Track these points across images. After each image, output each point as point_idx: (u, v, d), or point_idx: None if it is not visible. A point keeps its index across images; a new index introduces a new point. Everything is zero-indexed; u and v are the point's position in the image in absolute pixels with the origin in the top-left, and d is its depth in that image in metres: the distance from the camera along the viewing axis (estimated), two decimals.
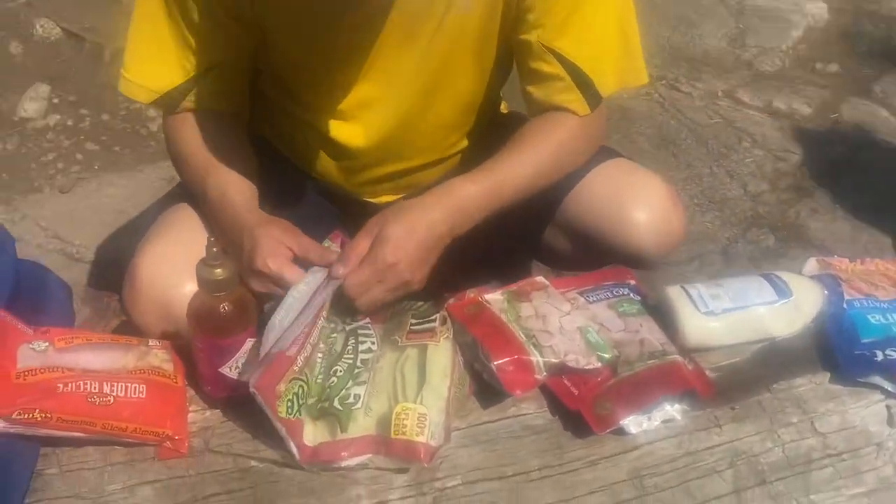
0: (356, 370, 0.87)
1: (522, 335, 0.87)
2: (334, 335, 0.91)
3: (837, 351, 0.93)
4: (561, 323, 0.89)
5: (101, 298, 1.69)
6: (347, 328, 0.93)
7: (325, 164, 1.14)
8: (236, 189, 0.98)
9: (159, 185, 2.01)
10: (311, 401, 0.83)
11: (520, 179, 0.99)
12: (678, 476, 0.85)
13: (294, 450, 0.79)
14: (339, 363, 0.88)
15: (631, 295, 0.98)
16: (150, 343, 0.88)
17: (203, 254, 0.78)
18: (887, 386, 0.90)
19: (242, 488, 0.81)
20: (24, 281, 0.88)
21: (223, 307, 0.79)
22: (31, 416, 0.74)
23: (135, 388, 0.81)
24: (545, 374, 0.85)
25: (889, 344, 0.91)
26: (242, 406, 0.85)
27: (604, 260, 1.08)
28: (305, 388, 0.83)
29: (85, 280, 1.75)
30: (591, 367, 0.86)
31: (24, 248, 1.79)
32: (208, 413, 0.87)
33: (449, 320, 0.91)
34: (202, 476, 0.81)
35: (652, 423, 0.87)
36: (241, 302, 0.81)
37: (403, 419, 0.80)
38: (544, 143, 1.02)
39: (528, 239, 1.18)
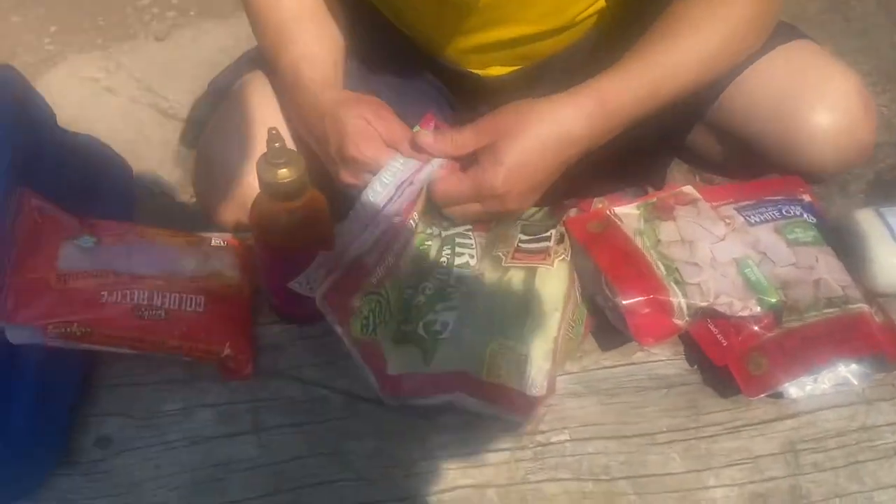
0: (448, 290, 0.71)
1: (662, 267, 0.68)
2: (428, 243, 0.75)
3: None
4: (713, 252, 0.70)
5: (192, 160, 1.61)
6: (444, 233, 0.77)
7: (429, 24, 0.94)
8: (311, 64, 0.80)
9: None
10: (393, 321, 0.69)
11: (682, 74, 0.76)
12: (846, 455, 0.68)
13: (372, 378, 0.66)
14: (430, 279, 0.72)
15: (805, 216, 0.76)
16: (214, 243, 0.75)
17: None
18: None
19: (311, 422, 0.69)
20: (76, 158, 0.76)
21: (290, 214, 0.64)
22: (68, 329, 0.63)
23: (192, 299, 0.69)
24: (688, 319, 0.67)
25: None
26: (315, 325, 0.73)
27: (765, 171, 0.86)
28: (385, 304, 0.68)
29: (177, 139, 1.66)
30: (748, 312, 0.67)
31: (118, 101, 1.72)
32: (277, 329, 0.74)
33: (567, 238, 0.73)
34: (267, 403, 0.70)
35: (819, 386, 0.68)
36: (312, 207, 0.65)
37: (500, 359, 0.65)
38: (714, 24, 0.78)
39: (670, 138, 0.96)
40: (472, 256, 0.75)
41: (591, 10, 0.92)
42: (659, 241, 0.71)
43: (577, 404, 0.70)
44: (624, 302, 0.66)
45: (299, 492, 0.67)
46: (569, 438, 0.69)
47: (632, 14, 0.86)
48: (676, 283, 0.67)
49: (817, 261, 0.72)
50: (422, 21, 0.93)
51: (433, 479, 0.67)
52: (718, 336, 0.68)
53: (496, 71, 0.96)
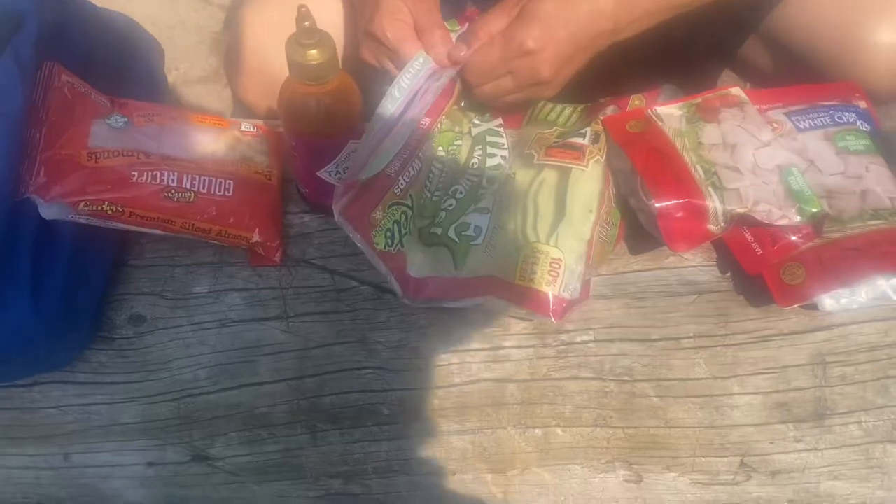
0: (480, 192, 0.70)
1: (700, 170, 0.66)
2: (458, 142, 0.73)
3: None
4: (755, 158, 0.67)
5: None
6: (474, 131, 0.74)
7: None
8: None
9: None
10: (423, 222, 0.68)
11: None
12: (875, 370, 0.67)
13: (396, 286, 0.65)
14: (462, 180, 0.71)
15: (859, 124, 0.73)
16: (244, 128, 0.74)
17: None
18: None
19: (339, 311, 0.70)
20: (106, 37, 0.74)
21: (320, 99, 0.62)
22: (99, 207, 0.64)
23: (220, 183, 0.68)
24: (723, 225, 0.65)
25: None
26: None
27: None
28: (410, 213, 0.67)
29: (213, 24, 1.63)
30: (786, 221, 0.65)
31: None
32: (307, 218, 0.74)
33: (603, 137, 0.70)
34: (296, 290, 0.71)
35: (855, 299, 0.66)
36: (342, 91, 0.63)
37: (532, 263, 0.63)
38: None
39: (722, 47, 0.90)
40: (504, 155, 0.73)
41: None
42: (700, 143, 0.68)
43: (604, 306, 0.69)
44: (657, 205, 0.64)
45: (324, 377, 0.68)
46: (593, 339, 0.69)
47: None
48: (714, 187, 0.65)
49: (867, 170, 0.69)
50: None
51: (456, 372, 0.68)
52: (753, 244, 0.66)
53: None
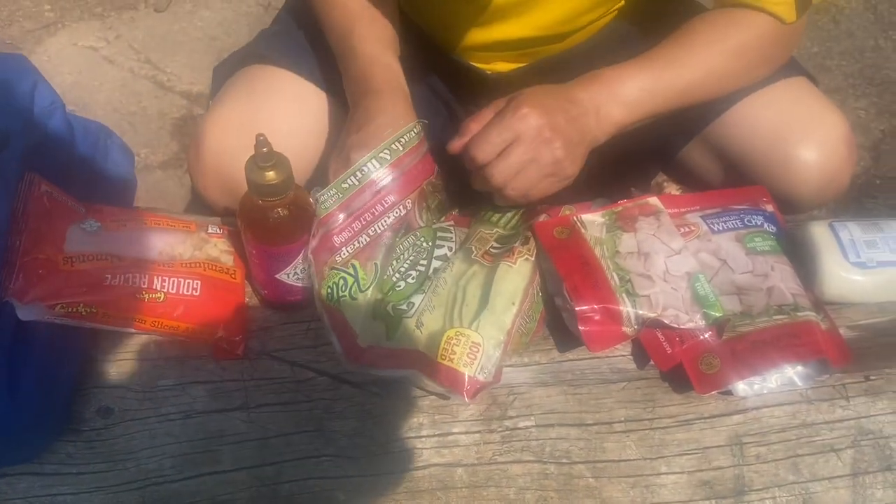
0: (426, 281, 0.77)
1: (616, 277, 0.74)
2: (417, 234, 0.80)
3: None
4: (667, 265, 0.75)
5: (187, 133, 1.64)
6: (434, 226, 0.82)
7: (442, 15, 0.97)
8: (376, 37, 0.85)
9: (256, 11, 1.89)
10: (378, 297, 0.76)
11: (685, 82, 0.81)
12: (786, 449, 0.74)
13: (336, 343, 0.73)
14: (417, 268, 0.78)
15: (766, 226, 0.82)
16: (210, 230, 0.80)
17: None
18: None
19: (298, 401, 0.75)
20: (82, 146, 0.80)
21: (276, 213, 0.69)
22: (74, 309, 0.68)
23: (188, 283, 0.74)
24: (636, 328, 0.73)
25: None
26: (303, 312, 0.78)
27: None
28: (352, 282, 0.75)
29: (174, 112, 1.69)
30: (693, 325, 0.73)
31: (117, 71, 1.74)
32: (269, 313, 0.80)
33: (533, 240, 0.78)
34: (257, 382, 0.76)
35: (766, 385, 0.74)
36: (297, 205, 0.70)
37: (454, 344, 0.70)
38: (724, 41, 0.83)
39: (661, 151, 1.00)
40: (451, 248, 0.80)
41: (604, 20, 0.96)
42: (617, 251, 0.76)
43: (544, 393, 0.76)
44: (577, 309, 0.72)
45: (283, 465, 0.73)
46: (534, 424, 0.75)
47: (641, 16, 0.89)
48: (628, 293, 0.73)
49: (772, 269, 0.77)
50: (434, 11, 0.97)
51: (408, 457, 0.73)
52: (664, 343, 0.74)
53: (501, 67, 1.01)
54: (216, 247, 0.78)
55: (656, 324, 0.73)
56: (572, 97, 0.79)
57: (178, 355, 0.77)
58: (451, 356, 0.70)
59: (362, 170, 0.76)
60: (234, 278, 0.78)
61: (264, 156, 0.65)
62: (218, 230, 0.80)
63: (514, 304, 0.73)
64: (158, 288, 0.72)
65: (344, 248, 0.76)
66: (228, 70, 0.99)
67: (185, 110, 1.69)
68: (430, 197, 0.82)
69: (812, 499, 0.73)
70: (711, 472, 0.74)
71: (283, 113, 0.90)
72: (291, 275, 0.73)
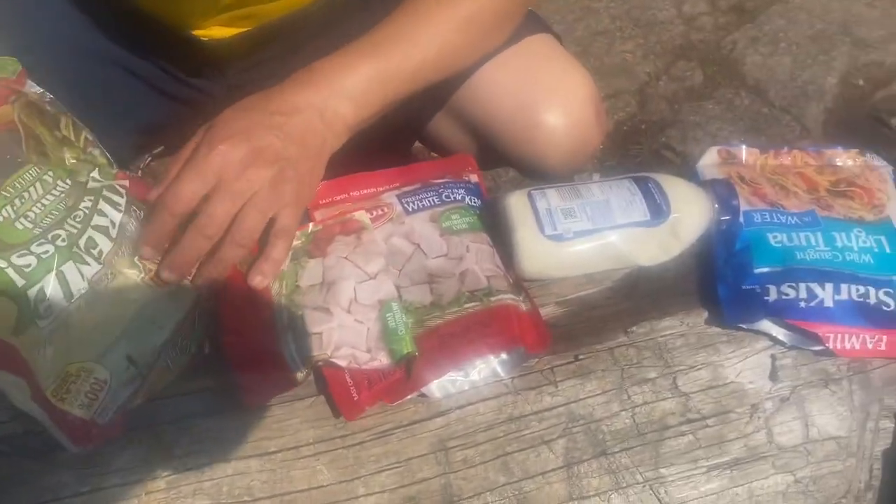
0: (71, 254, 0.59)
1: (286, 316, 0.63)
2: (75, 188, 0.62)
3: (721, 283, 0.72)
4: (356, 293, 0.65)
5: None
6: (90, 184, 0.63)
7: None
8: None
9: None
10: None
11: (416, 63, 0.71)
12: (495, 448, 0.67)
13: None
14: (61, 229, 0.59)
15: (467, 199, 0.73)
16: None
17: None
18: (776, 333, 0.70)
19: None
20: None
21: None
22: None
23: None
24: (306, 371, 0.63)
25: (786, 278, 0.71)
26: None
27: (503, 161, 0.84)
28: None
29: None
30: (377, 364, 0.63)
31: None
32: None
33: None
34: None
35: (469, 380, 0.66)
36: None
37: (73, 381, 0.56)
38: (455, 7, 0.73)
39: (410, 125, 0.92)
40: (114, 225, 0.62)
41: None
42: (298, 286, 0.66)
43: (214, 423, 0.64)
44: (231, 357, 0.62)
45: None
46: (208, 461, 0.64)
47: None
48: (294, 332, 0.63)
49: (468, 250, 0.69)
50: None
51: None
52: (352, 388, 0.63)
53: (218, 32, 0.86)
54: None
55: (334, 365, 0.63)
56: (286, 104, 0.67)
57: None
58: (66, 395, 0.56)
59: None
60: None
61: None
62: None
63: (163, 328, 0.61)
64: None
65: None
66: None
67: None
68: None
69: (526, 499, 0.67)
70: (416, 486, 0.66)
71: None
72: None
